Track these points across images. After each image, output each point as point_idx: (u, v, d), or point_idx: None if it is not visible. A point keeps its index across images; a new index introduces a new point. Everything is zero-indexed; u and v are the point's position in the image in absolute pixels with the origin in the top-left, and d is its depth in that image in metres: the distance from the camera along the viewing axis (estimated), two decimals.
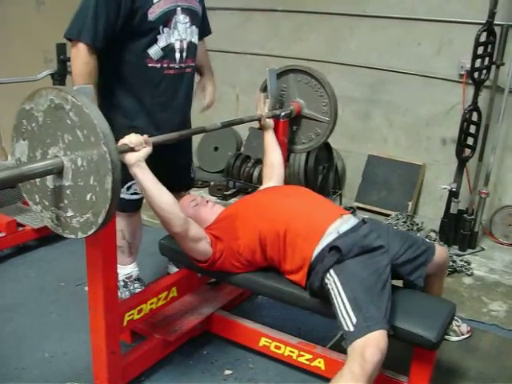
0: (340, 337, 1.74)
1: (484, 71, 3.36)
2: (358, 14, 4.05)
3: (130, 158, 1.75)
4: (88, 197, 1.47)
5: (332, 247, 1.86)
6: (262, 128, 2.60)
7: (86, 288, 1.81)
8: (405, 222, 3.69)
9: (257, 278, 2.08)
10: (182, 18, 2.24)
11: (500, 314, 2.77)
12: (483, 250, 3.57)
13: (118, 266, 2.09)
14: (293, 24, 4.38)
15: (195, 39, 2.36)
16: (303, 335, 2.25)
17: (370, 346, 1.61)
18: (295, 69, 2.80)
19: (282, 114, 2.67)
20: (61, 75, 3.23)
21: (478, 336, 2.52)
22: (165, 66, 2.25)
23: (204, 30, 2.55)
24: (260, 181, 3.84)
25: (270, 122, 2.59)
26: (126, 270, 2.60)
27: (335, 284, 1.79)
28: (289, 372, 2.20)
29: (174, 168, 2.47)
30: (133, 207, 2.47)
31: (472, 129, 3.47)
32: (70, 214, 1.54)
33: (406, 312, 1.85)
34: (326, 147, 4.08)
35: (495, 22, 3.25)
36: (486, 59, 3.35)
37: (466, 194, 3.65)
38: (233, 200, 4.28)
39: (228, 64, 4.70)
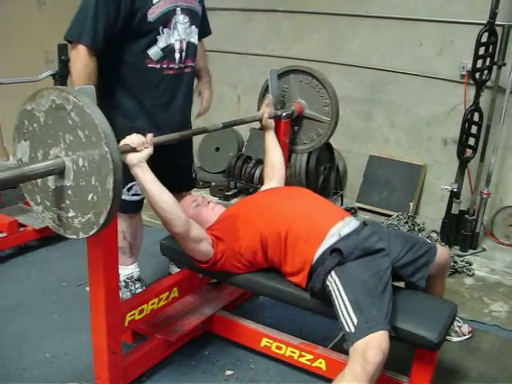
0: (341, 337, 1.74)
1: (485, 72, 3.36)
2: (359, 14, 4.05)
3: (131, 158, 1.75)
4: (89, 197, 1.47)
5: (333, 250, 1.86)
6: (263, 128, 2.61)
7: (88, 288, 1.82)
8: (406, 223, 3.68)
9: (258, 278, 2.08)
10: (181, 19, 2.24)
11: (501, 314, 2.77)
12: (484, 250, 3.57)
13: (119, 266, 2.09)
14: (294, 24, 4.38)
15: (195, 39, 2.36)
16: (304, 336, 2.25)
17: (372, 347, 1.61)
18: (296, 69, 2.80)
19: (284, 114, 2.67)
20: (62, 76, 3.23)
21: (479, 337, 2.51)
22: (164, 66, 2.25)
23: (204, 31, 2.54)
24: (261, 181, 3.85)
25: (271, 122, 2.59)
26: (127, 270, 2.60)
27: (336, 286, 1.79)
28: (290, 372, 2.20)
29: (174, 168, 2.48)
30: (134, 208, 2.47)
31: (473, 129, 3.47)
32: (71, 214, 1.54)
33: (407, 313, 1.85)
34: (328, 148, 4.07)
35: (497, 23, 3.25)
36: (488, 60, 3.35)
37: (467, 195, 3.65)
38: (234, 200, 4.28)
39: (229, 64, 4.71)
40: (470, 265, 3.27)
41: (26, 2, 4.22)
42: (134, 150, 1.75)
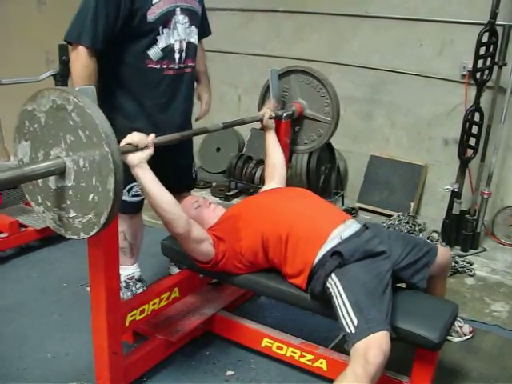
0: (342, 338, 1.74)
1: (486, 72, 3.36)
2: (360, 14, 4.05)
3: (132, 158, 1.75)
4: (90, 197, 1.47)
5: (334, 252, 1.86)
6: (264, 129, 2.61)
7: (88, 288, 1.82)
8: (407, 223, 3.68)
9: (259, 278, 2.08)
10: (181, 19, 2.24)
11: (502, 314, 2.77)
12: (485, 250, 3.57)
13: (120, 266, 2.08)
14: (294, 24, 4.38)
15: (195, 39, 2.36)
16: (305, 336, 2.25)
17: (373, 348, 1.61)
18: (297, 69, 2.80)
19: (284, 114, 2.67)
20: (63, 76, 3.23)
21: (480, 337, 2.51)
22: (164, 66, 2.25)
23: (204, 31, 2.54)
24: (262, 181, 3.85)
25: (272, 122, 2.59)
26: (127, 270, 2.61)
27: (337, 288, 1.79)
28: (291, 373, 2.20)
29: (174, 169, 2.47)
30: (134, 209, 2.47)
31: (474, 129, 3.47)
32: (72, 214, 1.54)
33: (408, 313, 1.85)
34: (328, 148, 4.07)
35: (497, 23, 3.25)
36: (488, 60, 3.35)
37: (468, 195, 3.65)
38: (235, 201, 4.28)
39: (230, 65, 4.71)
40: (471, 265, 3.27)
41: (26, 2, 4.22)
42: (134, 150, 1.75)
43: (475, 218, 3.55)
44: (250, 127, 4.60)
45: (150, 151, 1.79)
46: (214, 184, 4.58)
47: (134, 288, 2.61)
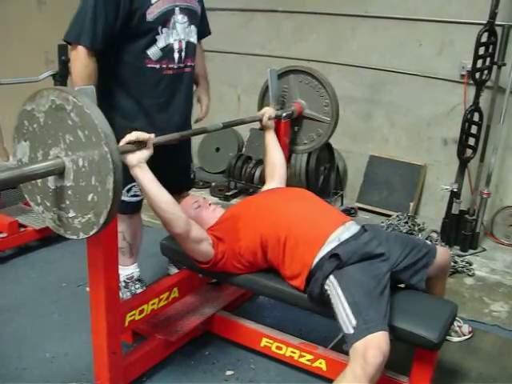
0: (342, 338, 1.74)
1: (485, 72, 3.37)
2: (359, 14, 4.05)
3: (131, 158, 1.75)
4: (89, 197, 1.47)
5: (332, 255, 1.86)
6: (263, 128, 2.61)
7: (88, 288, 1.82)
8: (406, 223, 3.68)
9: (258, 278, 2.08)
10: (180, 18, 2.24)
11: (501, 314, 2.77)
12: (484, 250, 3.57)
13: (120, 266, 2.09)
14: (294, 24, 4.38)
15: (194, 39, 2.36)
16: (305, 336, 2.25)
17: (371, 348, 1.61)
18: (296, 69, 2.80)
19: (284, 114, 2.67)
20: (62, 76, 3.23)
21: (479, 336, 2.51)
22: (164, 66, 2.25)
23: (203, 31, 2.54)
24: (261, 181, 3.85)
25: (271, 122, 2.59)
26: (127, 270, 2.60)
27: (335, 289, 1.80)
28: (290, 372, 2.20)
29: (173, 169, 2.47)
30: (133, 209, 2.47)
31: (473, 129, 3.47)
32: (71, 214, 1.54)
33: (407, 313, 1.85)
34: (328, 148, 4.07)
35: (496, 23, 3.25)
36: (488, 60, 3.36)
37: (467, 195, 3.65)
38: (234, 201, 4.28)
39: (229, 65, 4.71)
40: (470, 265, 3.27)
41: (26, 2, 4.23)
42: (134, 150, 1.75)
43: (474, 217, 3.55)
44: (249, 127, 4.60)
45: (149, 151, 1.79)
46: (213, 184, 4.58)
47: (133, 288, 2.61)
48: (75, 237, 1.57)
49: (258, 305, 2.72)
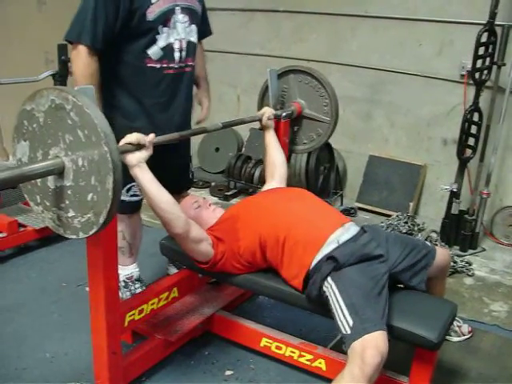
0: (341, 338, 1.74)
1: (485, 72, 3.37)
2: (359, 14, 4.05)
3: (131, 158, 1.75)
4: (89, 197, 1.47)
5: (329, 257, 1.86)
6: (263, 128, 2.61)
7: (87, 288, 1.82)
8: (406, 223, 3.68)
9: (258, 278, 2.08)
10: (181, 18, 2.24)
11: (501, 314, 2.77)
12: (484, 250, 3.57)
13: (119, 266, 2.08)
14: (293, 24, 4.39)
15: (194, 38, 2.36)
16: (304, 336, 2.25)
17: (369, 348, 1.61)
18: (296, 69, 2.80)
19: (283, 114, 2.67)
20: (62, 76, 3.23)
21: (479, 336, 2.51)
22: (164, 65, 2.25)
23: (204, 31, 2.54)
24: (261, 181, 3.86)
25: (271, 122, 2.59)
26: (126, 270, 2.60)
27: (333, 291, 1.80)
28: (290, 372, 2.20)
29: (173, 168, 2.47)
30: (132, 209, 2.47)
31: (473, 129, 3.47)
32: (71, 214, 1.54)
33: (407, 312, 1.85)
34: (327, 148, 4.08)
35: (496, 23, 3.25)
36: (487, 59, 3.35)
37: (466, 195, 3.65)
38: (234, 200, 4.28)
39: (229, 64, 4.71)
40: (470, 265, 3.27)
41: (26, 2, 4.22)
42: (133, 150, 1.75)
43: (474, 217, 3.55)
44: (248, 127, 4.60)
45: (149, 151, 1.79)
46: (213, 184, 4.58)
47: (132, 288, 2.61)
48: (75, 236, 1.57)
49: (257, 305, 2.72)
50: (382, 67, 4.03)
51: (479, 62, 3.30)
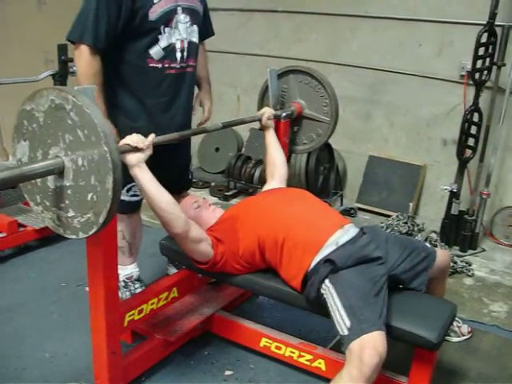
0: (339, 340, 1.74)
1: (485, 72, 3.37)
2: (359, 14, 4.05)
3: (130, 158, 1.76)
4: (89, 197, 1.47)
5: (327, 260, 1.86)
6: (263, 128, 2.61)
7: (87, 288, 1.82)
8: (405, 223, 3.68)
9: (257, 278, 2.08)
10: (182, 18, 2.24)
11: (501, 314, 2.77)
12: (484, 250, 3.57)
13: (119, 266, 2.08)
14: (293, 25, 4.38)
15: (196, 39, 2.36)
16: (304, 336, 2.25)
17: (367, 348, 1.61)
18: (296, 69, 2.80)
19: (283, 114, 2.68)
20: (62, 76, 3.23)
21: (478, 337, 2.51)
22: (166, 65, 2.25)
23: (206, 31, 2.55)
24: (261, 181, 3.86)
25: (271, 122, 2.59)
26: (126, 270, 2.60)
27: (331, 293, 1.80)
28: (290, 372, 2.20)
29: (173, 169, 2.47)
30: (132, 208, 2.47)
31: (473, 129, 3.47)
32: (71, 214, 1.54)
33: (406, 313, 1.85)
34: (327, 148, 4.07)
35: (496, 23, 3.25)
36: (487, 60, 3.36)
37: (466, 195, 3.65)
38: (234, 201, 4.28)
39: (228, 65, 4.71)
40: (470, 265, 3.27)
41: (26, 2, 4.22)
42: (133, 150, 1.75)
43: (474, 218, 3.55)
44: (248, 127, 4.60)
45: (148, 152, 1.79)
46: (212, 184, 4.58)
47: (132, 288, 2.61)
48: (74, 236, 1.57)
49: (257, 305, 2.72)
50: (382, 67, 4.03)
51: (479, 63, 3.30)
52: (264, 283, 2.06)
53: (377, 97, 4.12)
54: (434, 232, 3.59)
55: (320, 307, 1.88)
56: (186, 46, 2.29)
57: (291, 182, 3.82)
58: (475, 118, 3.46)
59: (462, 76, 3.67)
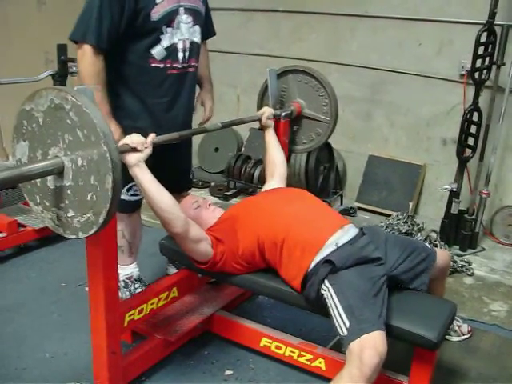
0: (339, 340, 1.74)
1: (484, 71, 3.37)
2: (359, 14, 4.05)
3: (130, 158, 1.75)
4: (89, 196, 1.47)
5: (326, 260, 1.86)
6: (262, 128, 2.61)
7: (87, 288, 1.81)
8: (405, 223, 3.67)
9: (257, 278, 2.08)
10: (184, 18, 2.24)
11: (501, 314, 2.77)
12: (484, 250, 3.57)
13: (119, 266, 2.08)
14: (293, 24, 4.39)
15: (198, 39, 2.36)
16: (304, 335, 2.25)
17: (367, 348, 1.61)
18: (295, 69, 2.80)
19: (283, 114, 2.68)
20: (61, 76, 3.23)
21: (478, 336, 2.51)
22: (168, 65, 2.25)
23: (208, 31, 2.55)
24: (261, 181, 3.86)
25: (271, 121, 2.59)
26: (126, 270, 2.60)
27: (330, 294, 1.80)
28: (290, 372, 2.20)
29: (174, 169, 2.48)
30: (132, 208, 2.47)
31: (473, 129, 3.47)
32: (70, 214, 1.54)
33: (406, 312, 1.85)
34: (327, 147, 4.07)
35: (496, 22, 3.25)
36: (487, 59, 3.36)
37: (466, 195, 3.65)
38: (234, 200, 4.28)
39: (229, 64, 4.71)
40: (470, 264, 3.27)
41: (26, 2, 4.22)
42: (133, 149, 1.75)
43: (474, 217, 3.55)
44: (248, 127, 4.60)
45: (148, 151, 1.79)
46: (212, 184, 4.58)
47: (132, 288, 2.61)
48: (74, 236, 1.57)
49: (257, 304, 2.72)
50: (382, 67, 4.03)
51: (479, 62, 3.31)
52: (264, 283, 2.06)
53: (377, 96, 4.12)
54: (434, 231, 3.59)
55: (320, 307, 1.88)
56: (187, 46, 2.29)
57: (291, 181, 3.82)
58: (475, 117, 3.46)
59: (462, 75, 3.67)
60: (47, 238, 3.25)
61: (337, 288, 1.79)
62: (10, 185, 1.48)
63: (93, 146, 1.42)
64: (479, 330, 2.57)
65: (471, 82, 3.42)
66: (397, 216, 3.76)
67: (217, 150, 4.92)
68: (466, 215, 3.56)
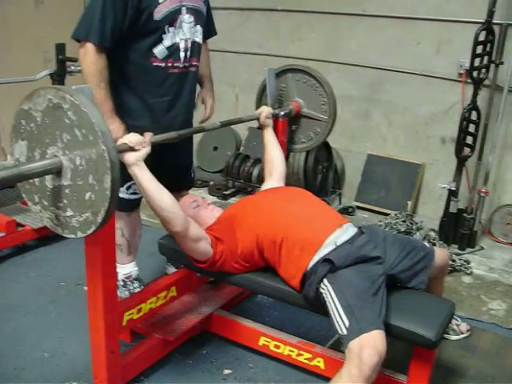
0: (338, 339, 1.74)
1: (483, 70, 3.37)
2: (357, 13, 4.05)
3: (129, 157, 1.75)
4: (87, 196, 1.47)
5: (325, 260, 1.86)
6: (261, 127, 2.61)
7: (86, 288, 1.81)
8: (404, 222, 3.68)
9: (256, 277, 2.08)
10: (186, 18, 2.25)
11: (499, 312, 2.77)
12: (482, 248, 3.57)
13: (118, 265, 2.09)
14: (292, 23, 4.39)
15: (199, 39, 2.36)
16: (303, 334, 2.25)
17: (367, 347, 1.61)
18: (294, 68, 2.80)
19: (281, 113, 2.68)
20: (60, 75, 3.22)
21: (477, 335, 2.52)
22: (169, 65, 2.26)
23: (209, 31, 2.56)
24: (259, 180, 3.85)
25: (269, 121, 2.59)
26: (125, 269, 2.60)
27: (329, 293, 1.80)
28: (288, 371, 2.20)
29: (174, 168, 2.48)
30: (132, 206, 2.47)
31: (471, 128, 3.47)
32: (69, 213, 1.54)
33: (405, 311, 1.85)
34: (326, 147, 4.07)
35: (494, 21, 3.26)
36: (485, 58, 3.36)
37: (465, 193, 3.65)
38: (232, 200, 4.28)
39: (227, 64, 4.71)
40: (468, 263, 3.27)
41: (24, 2, 4.22)
42: (131, 149, 1.75)
43: (472, 216, 3.56)
44: (247, 126, 4.60)
45: (146, 150, 1.79)
46: (211, 183, 4.57)
47: (131, 287, 2.60)
48: (73, 236, 1.57)
49: (256, 304, 2.72)
50: (380, 66, 4.03)
51: (477, 61, 3.31)
52: (263, 282, 2.06)
53: (375, 95, 4.12)
54: (433, 230, 3.59)
55: (319, 306, 1.88)
56: (189, 45, 2.29)
57: (290, 180, 3.82)
58: (473, 116, 3.46)
59: (461, 74, 3.67)
60: (46, 238, 3.24)
61: (336, 287, 1.79)
62: (8, 184, 1.48)
63: (91, 146, 1.42)
64: (478, 328, 2.57)
65: (470, 80, 3.43)
66: (395, 215, 3.77)
67: (215, 149, 4.92)
68: (464, 214, 3.56)
